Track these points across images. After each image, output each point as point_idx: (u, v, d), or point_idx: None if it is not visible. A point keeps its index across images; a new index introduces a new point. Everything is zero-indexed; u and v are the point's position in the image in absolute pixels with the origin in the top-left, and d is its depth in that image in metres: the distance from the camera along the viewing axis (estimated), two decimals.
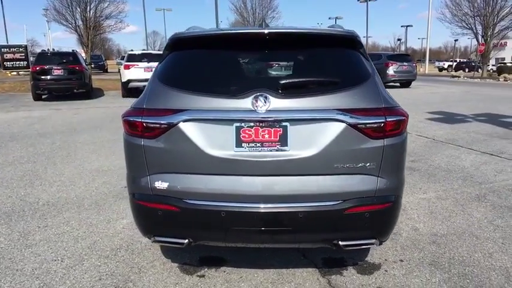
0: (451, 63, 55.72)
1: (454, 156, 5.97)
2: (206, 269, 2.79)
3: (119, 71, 30.67)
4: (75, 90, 13.87)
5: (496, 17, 29.70)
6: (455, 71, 41.69)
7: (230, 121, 2.11)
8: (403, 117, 2.21)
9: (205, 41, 2.39)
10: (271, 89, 2.11)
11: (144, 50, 28.50)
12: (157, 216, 2.26)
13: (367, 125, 2.11)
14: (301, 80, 2.20)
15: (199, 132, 2.13)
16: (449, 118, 9.74)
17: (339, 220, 2.17)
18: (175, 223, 2.26)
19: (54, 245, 3.17)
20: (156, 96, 2.25)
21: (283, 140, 2.10)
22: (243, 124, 2.10)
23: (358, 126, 2.10)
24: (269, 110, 2.08)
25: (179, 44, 2.41)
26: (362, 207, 2.16)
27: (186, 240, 2.27)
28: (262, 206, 2.13)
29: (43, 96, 14.35)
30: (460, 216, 3.68)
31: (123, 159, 5.98)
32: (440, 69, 55.97)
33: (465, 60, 58.38)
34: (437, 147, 6.54)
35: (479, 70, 33.59)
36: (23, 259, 2.96)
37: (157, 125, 2.17)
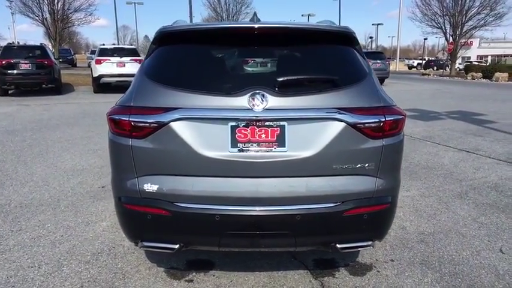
0: (420, 61, 57.32)
1: (432, 153, 6.08)
2: (194, 274, 2.68)
3: (89, 66, 29.73)
4: (43, 86, 13.28)
5: (464, 17, 30.72)
6: (425, 69, 42.94)
7: (225, 120, 2.00)
8: (402, 116, 2.17)
9: (197, 35, 2.26)
10: (268, 87, 2.01)
11: (114, 44, 27.64)
12: (146, 220, 2.12)
13: (366, 125, 2.06)
14: (299, 77, 2.11)
15: (192, 132, 2.01)
16: (424, 115, 9.95)
17: (337, 222, 2.11)
18: (166, 228, 2.13)
19: (30, 250, 2.97)
20: (145, 94, 2.11)
21: (280, 140, 2.01)
22: (238, 123, 2.00)
23: (358, 125, 2.04)
24: (266, 109, 1.98)
25: (168, 38, 2.27)
26: (361, 209, 2.11)
27: (177, 246, 2.15)
28: (258, 209, 2.03)
29: (9, 92, 13.68)
30: (445, 214, 3.72)
31: (98, 158, 5.78)
32: (410, 67, 57.52)
33: (433, 58, 60.16)
34: (415, 145, 6.64)
35: (447, 68, 34.70)
36: None
37: (147, 124, 2.03)
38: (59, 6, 27.72)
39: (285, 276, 2.66)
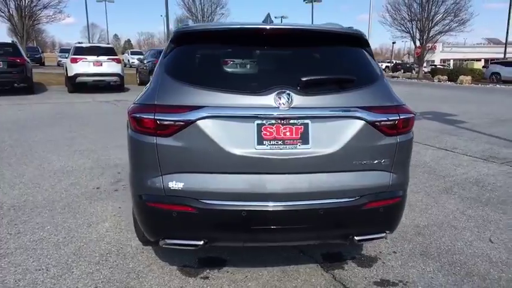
0: (388, 64, 59.10)
1: (414, 151, 6.22)
2: (208, 270, 2.72)
3: (59, 65, 28.58)
4: (15, 85, 12.74)
5: (430, 22, 31.98)
6: (393, 72, 44.35)
7: (251, 118, 2.07)
8: (412, 115, 2.31)
9: (219, 35, 2.31)
10: (292, 86, 2.10)
11: (81, 42, 26.67)
12: (171, 218, 2.15)
13: (383, 123, 2.18)
14: (321, 77, 2.20)
15: (219, 130, 2.06)
16: None
17: (357, 216, 2.22)
18: (191, 225, 2.17)
19: (34, 253, 2.90)
20: (169, 92, 2.14)
21: (304, 138, 2.10)
22: (264, 121, 2.07)
23: (375, 123, 2.16)
24: (291, 107, 2.07)
25: (190, 37, 2.31)
26: (378, 203, 2.23)
27: (202, 242, 2.19)
28: (283, 204, 2.11)
29: None
30: (435, 208, 3.93)
31: (86, 159, 5.68)
32: None
33: (400, 61, 62.14)
34: None
35: (413, 71, 35.98)
36: (1, 270, 2.68)
37: (172, 122, 2.07)
38: (26, 2, 26.61)
39: (297, 270, 2.75)
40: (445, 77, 28.77)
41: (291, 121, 2.09)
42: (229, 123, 2.07)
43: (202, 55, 2.28)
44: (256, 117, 2.06)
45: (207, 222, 2.14)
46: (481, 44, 66.16)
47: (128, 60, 34.17)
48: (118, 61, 13.75)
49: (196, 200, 2.11)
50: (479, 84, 25.84)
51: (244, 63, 2.32)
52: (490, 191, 4.48)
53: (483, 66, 34.33)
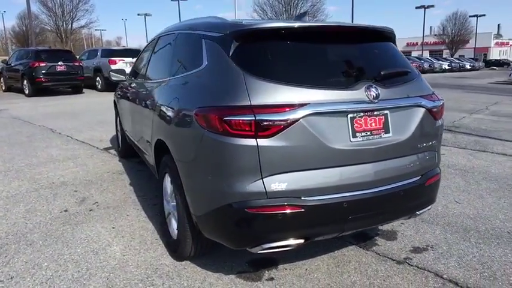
0: None
1: None
2: (267, 272, 2.69)
3: None
4: None
5: None
6: None
7: (345, 112, 2.17)
8: (443, 101, 2.71)
9: (296, 32, 2.32)
10: (372, 80, 2.27)
11: None
12: (275, 220, 2.10)
13: (434, 109, 2.53)
14: (395, 71, 2.44)
15: (320, 126, 2.11)
16: None
17: (422, 192, 2.52)
18: (295, 224, 2.15)
19: None
20: (263, 91, 2.07)
21: (386, 127, 2.30)
22: (355, 114, 2.20)
23: (431, 109, 2.50)
24: (380, 100, 2.24)
25: (263, 35, 2.27)
26: (432, 179, 2.57)
27: (302, 240, 2.20)
28: (376, 190, 2.27)
29: None
30: None
31: (20, 180, 4.94)
32: None
33: None
34: None
35: None
36: None
37: (275, 122, 2.02)
38: None
39: (343, 254, 2.92)
40: None
41: (375, 112, 2.26)
42: (328, 118, 2.14)
43: (284, 52, 2.26)
44: (349, 111, 2.18)
45: (311, 218, 2.16)
46: None
47: None
48: None
49: (299, 198, 2.12)
50: None
51: (326, 59, 2.38)
52: None
53: None
